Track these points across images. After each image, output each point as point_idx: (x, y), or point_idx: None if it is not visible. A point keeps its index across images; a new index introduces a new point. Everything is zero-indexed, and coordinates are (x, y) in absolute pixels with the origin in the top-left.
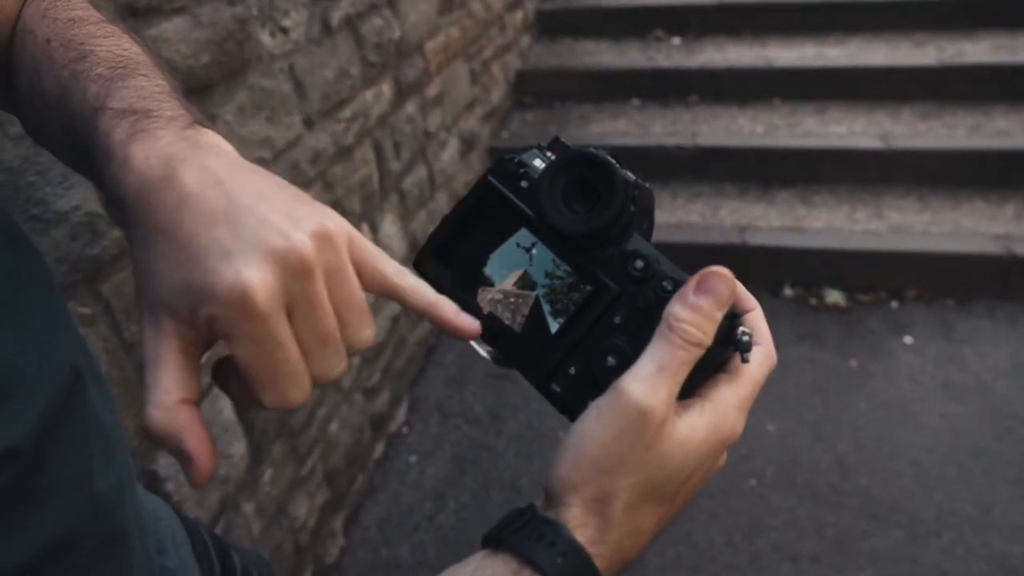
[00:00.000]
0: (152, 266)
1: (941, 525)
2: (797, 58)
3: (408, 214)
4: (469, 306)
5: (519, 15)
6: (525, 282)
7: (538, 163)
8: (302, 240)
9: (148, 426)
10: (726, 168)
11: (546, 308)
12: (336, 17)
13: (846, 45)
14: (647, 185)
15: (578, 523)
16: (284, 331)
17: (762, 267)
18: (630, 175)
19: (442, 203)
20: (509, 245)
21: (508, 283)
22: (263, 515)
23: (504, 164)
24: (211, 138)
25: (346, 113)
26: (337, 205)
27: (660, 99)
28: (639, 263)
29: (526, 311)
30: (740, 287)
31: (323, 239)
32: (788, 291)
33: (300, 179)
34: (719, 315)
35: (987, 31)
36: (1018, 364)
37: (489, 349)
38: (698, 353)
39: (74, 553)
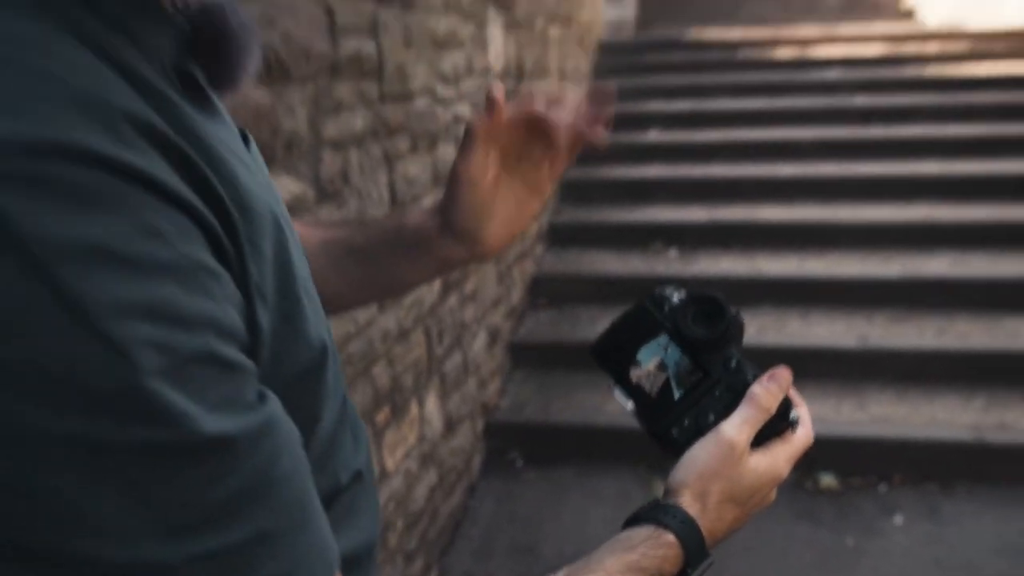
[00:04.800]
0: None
1: None
2: (782, 269)
3: (446, 395)
4: (624, 377)
5: (534, 227)
6: (661, 366)
7: (675, 297)
8: None
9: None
10: None
11: (673, 383)
12: None
13: (824, 258)
14: (741, 315)
15: (687, 505)
16: None
17: None
18: (732, 308)
19: (472, 387)
20: (654, 343)
21: (651, 366)
22: None
23: (655, 296)
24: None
25: (407, 300)
26: (396, 380)
27: None
28: (733, 362)
29: (660, 384)
30: (794, 391)
31: None
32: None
33: (372, 354)
34: (781, 396)
35: (944, 249)
36: (1003, 543)
37: (632, 405)
38: (766, 416)
39: (374, 550)
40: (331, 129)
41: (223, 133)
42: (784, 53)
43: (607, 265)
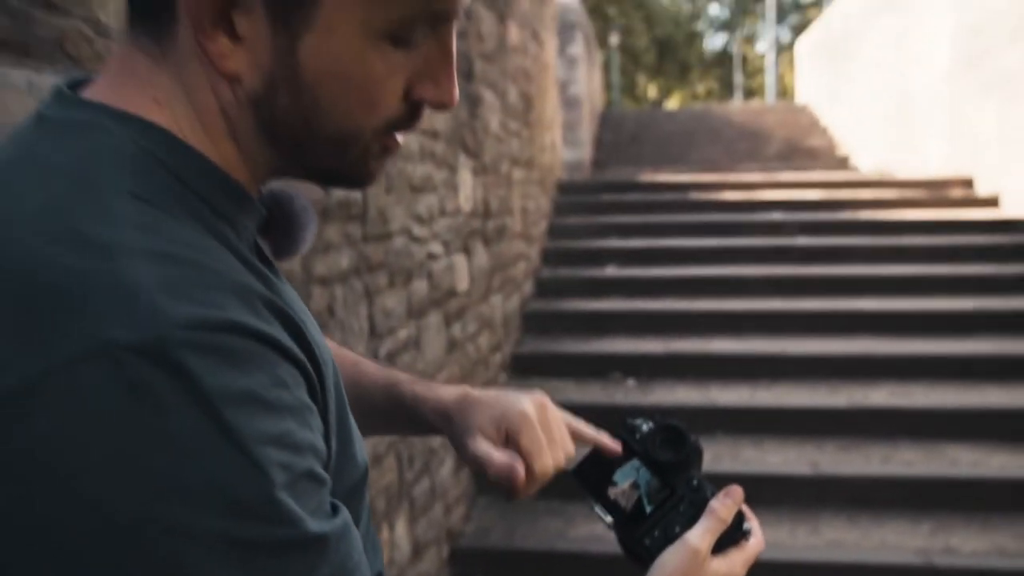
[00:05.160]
0: (472, 420)
1: None
2: (735, 399)
3: (415, 519)
4: (603, 495)
5: (498, 356)
6: (635, 485)
7: (644, 427)
8: (539, 396)
9: (493, 461)
10: None
11: (645, 500)
12: (383, 352)
13: (774, 389)
14: (700, 442)
15: None
16: (541, 431)
17: None
18: (693, 437)
19: (439, 513)
20: (628, 466)
21: (626, 485)
22: None
23: (627, 426)
24: (462, 392)
25: None
26: (371, 503)
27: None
28: (695, 481)
29: (634, 501)
30: (746, 506)
31: (544, 400)
32: None
33: None
34: (735, 509)
35: (885, 380)
36: None
37: (609, 519)
38: (724, 527)
39: None
40: (320, 267)
41: (291, 292)
42: (731, 196)
43: (568, 394)
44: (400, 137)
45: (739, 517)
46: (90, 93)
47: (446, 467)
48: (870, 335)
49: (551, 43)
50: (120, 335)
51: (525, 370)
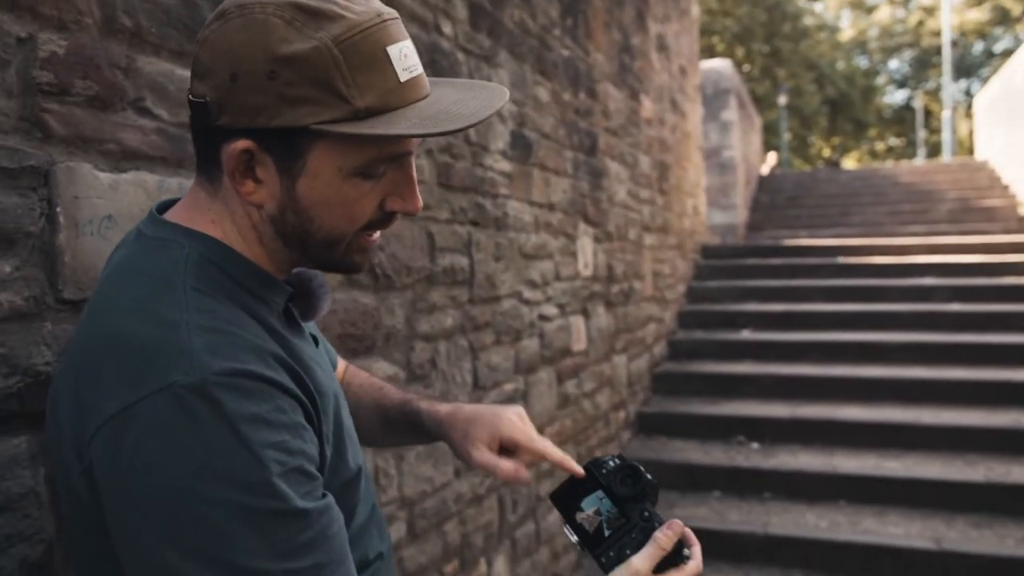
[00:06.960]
0: (470, 432)
1: None
2: (860, 467)
3: (517, 560)
4: (573, 519)
5: (622, 414)
6: (598, 512)
7: (610, 463)
8: (518, 408)
9: (501, 467)
10: (794, 555)
11: (604, 525)
12: (486, 402)
13: (904, 459)
14: (656, 482)
15: None
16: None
17: None
18: (648, 476)
19: (544, 557)
20: (593, 496)
21: (590, 511)
22: None
23: (595, 461)
24: (454, 406)
25: None
26: (467, 538)
27: (737, 493)
28: (647, 513)
29: (595, 525)
30: (690, 532)
31: (522, 412)
32: None
33: (444, 512)
34: (675, 540)
35: None
36: None
37: (575, 539)
38: (664, 552)
39: None
40: (424, 326)
41: (307, 348)
42: (881, 260)
43: (690, 455)
44: (377, 235)
45: (680, 544)
46: (170, 215)
47: (554, 514)
48: (1020, 408)
49: (695, 112)
50: (179, 379)
51: (650, 429)
